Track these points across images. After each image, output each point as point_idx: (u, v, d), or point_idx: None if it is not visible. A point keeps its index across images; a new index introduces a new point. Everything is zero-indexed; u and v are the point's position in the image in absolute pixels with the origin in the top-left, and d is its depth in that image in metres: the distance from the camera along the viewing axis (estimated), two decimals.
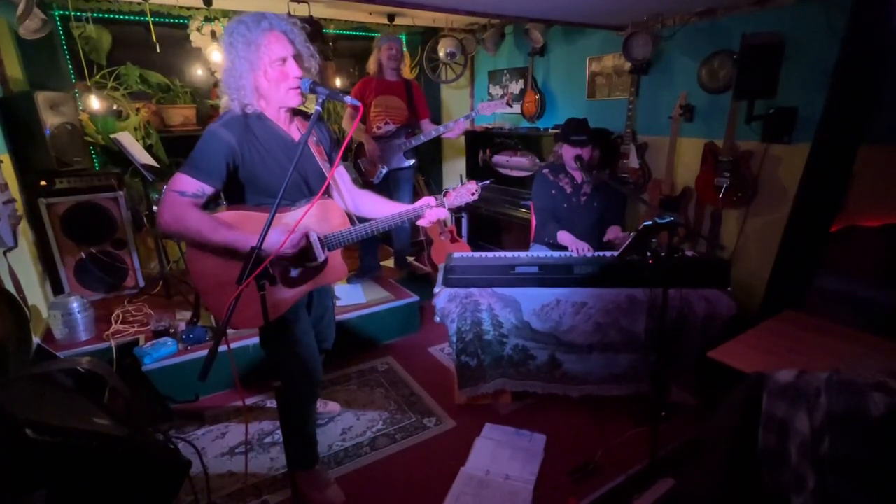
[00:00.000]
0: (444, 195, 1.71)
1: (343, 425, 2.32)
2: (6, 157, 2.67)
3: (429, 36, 4.34)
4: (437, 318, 2.26)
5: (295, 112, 1.63)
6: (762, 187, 2.77)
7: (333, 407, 2.42)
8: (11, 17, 2.71)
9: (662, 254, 1.95)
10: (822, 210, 2.37)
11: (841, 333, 1.86)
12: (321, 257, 1.58)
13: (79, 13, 3.16)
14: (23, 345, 1.73)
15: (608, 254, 2.32)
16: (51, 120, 2.83)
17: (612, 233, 2.53)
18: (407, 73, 3.43)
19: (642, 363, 2.26)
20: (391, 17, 3.90)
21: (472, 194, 1.71)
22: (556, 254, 2.36)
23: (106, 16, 3.30)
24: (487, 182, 1.79)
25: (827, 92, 2.23)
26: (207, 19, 3.43)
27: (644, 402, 2.30)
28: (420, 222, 1.69)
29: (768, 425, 1.17)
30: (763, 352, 1.75)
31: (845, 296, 2.35)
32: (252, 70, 1.45)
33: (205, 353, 1.81)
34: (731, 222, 2.98)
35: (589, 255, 2.34)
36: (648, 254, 2.01)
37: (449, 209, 1.71)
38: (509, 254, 2.31)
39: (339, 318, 2.73)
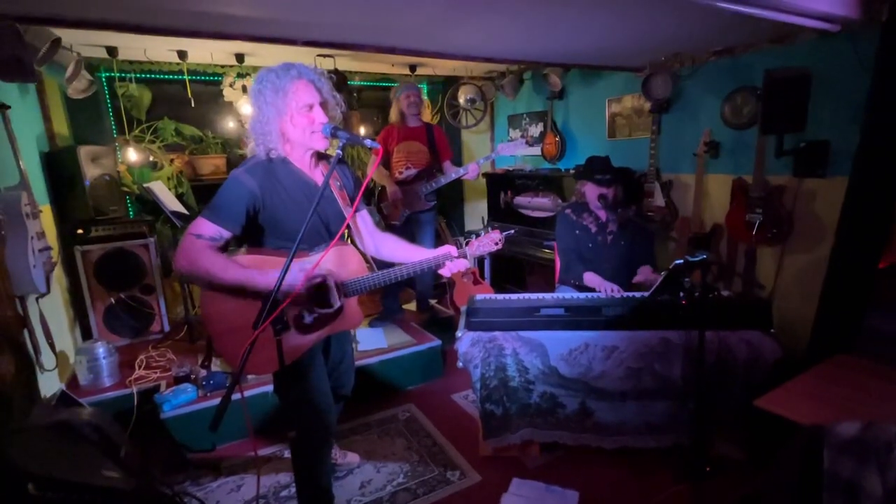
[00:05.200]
0: (467, 244, 1.65)
1: (362, 478, 2.20)
2: (47, 208, 2.80)
3: (449, 84, 4.47)
4: (460, 364, 2.17)
5: (320, 156, 1.65)
6: (798, 223, 2.65)
7: (353, 458, 2.31)
8: (61, 79, 2.92)
9: (696, 293, 1.85)
10: (867, 246, 2.24)
11: None
12: (337, 304, 1.55)
13: (123, 74, 3.39)
14: (28, 394, 1.73)
15: (638, 294, 2.22)
16: (91, 172, 2.97)
17: (643, 274, 2.43)
18: (427, 117, 3.51)
19: (681, 412, 2.11)
20: (413, 67, 4.05)
21: (496, 244, 1.64)
22: (583, 295, 2.27)
23: (147, 76, 3.53)
24: (512, 232, 1.72)
25: (861, 124, 2.16)
26: (240, 75, 3.63)
27: (685, 454, 2.12)
28: (441, 272, 1.65)
29: (833, 486, 1.04)
30: (816, 400, 1.60)
31: None
32: (279, 116, 1.48)
33: None
34: (766, 260, 2.84)
35: (618, 295, 2.25)
36: (681, 294, 1.91)
37: (471, 258, 1.66)
38: (534, 295, 2.24)
39: (359, 363, 2.68)
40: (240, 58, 3.35)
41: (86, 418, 1.14)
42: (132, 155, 3.46)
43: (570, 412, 2.16)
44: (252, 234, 1.55)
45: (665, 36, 2.53)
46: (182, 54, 3.17)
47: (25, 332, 2.10)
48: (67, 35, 2.49)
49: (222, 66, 3.61)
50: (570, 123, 4.03)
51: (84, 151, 2.94)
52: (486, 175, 4.31)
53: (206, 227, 1.43)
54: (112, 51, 3.00)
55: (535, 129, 4.35)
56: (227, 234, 1.45)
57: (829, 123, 2.45)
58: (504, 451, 2.27)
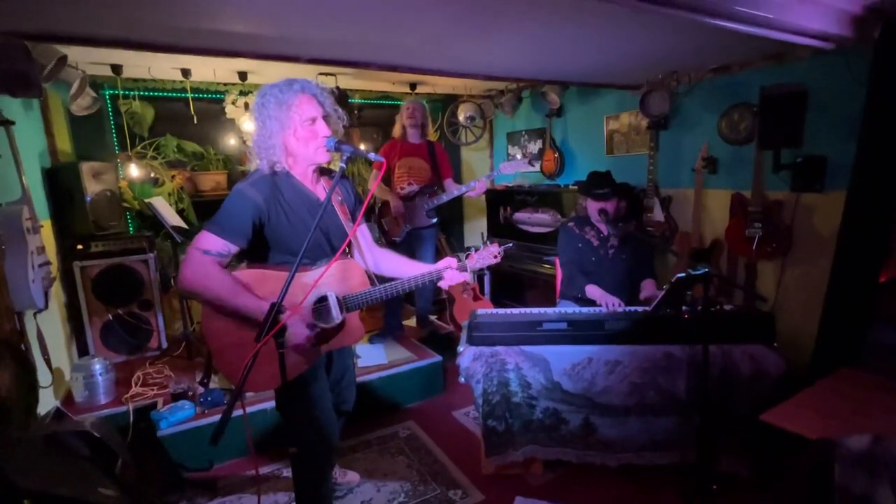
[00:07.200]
0: (467, 257, 1.66)
1: (362, 497, 2.16)
2: (47, 223, 2.80)
3: (449, 102, 4.53)
4: (462, 379, 2.15)
5: (322, 171, 1.66)
6: (797, 237, 2.67)
7: (353, 477, 2.27)
8: (64, 95, 2.95)
9: (699, 307, 1.85)
10: (867, 260, 2.24)
11: None
12: (338, 319, 1.54)
13: (127, 91, 3.43)
14: (29, 408, 1.70)
15: (641, 308, 2.21)
16: (92, 187, 2.97)
17: (648, 290, 2.43)
18: (430, 136, 3.55)
19: (686, 427, 2.08)
20: (413, 85, 4.11)
21: (495, 257, 1.67)
22: (585, 309, 2.26)
23: (151, 93, 3.56)
24: (510, 244, 1.75)
25: (857, 139, 2.18)
26: (242, 93, 3.67)
27: (691, 472, 2.08)
28: (441, 284, 1.65)
29: (845, 500, 1.02)
30: (824, 414, 1.58)
31: None
32: (282, 129, 1.48)
33: None
34: (767, 274, 2.85)
35: (620, 309, 2.24)
36: (684, 307, 1.91)
37: (471, 271, 1.67)
38: (536, 310, 2.23)
39: (359, 379, 2.65)
40: (242, 76, 3.39)
41: (85, 428, 1.12)
42: (134, 171, 3.48)
43: (573, 428, 2.13)
44: (254, 249, 1.54)
45: (663, 54, 2.58)
46: (185, 72, 3.21)
47: (22, 348, 2.08)
48: (73, 53, 2.53)
49: (225, 84, 3.66)
50: (569, 140, 4.07)
51: (86, 167, 2.95)
52: (485, 192, 4.33)
53: (213, 243, 1.41)
54: (117, 69, 3.03)
55: (534, 146, 4.39)
56: (234, 249, 1.44)
57: (826, 139, 2.48)
58: (507, 468, 2.23)
